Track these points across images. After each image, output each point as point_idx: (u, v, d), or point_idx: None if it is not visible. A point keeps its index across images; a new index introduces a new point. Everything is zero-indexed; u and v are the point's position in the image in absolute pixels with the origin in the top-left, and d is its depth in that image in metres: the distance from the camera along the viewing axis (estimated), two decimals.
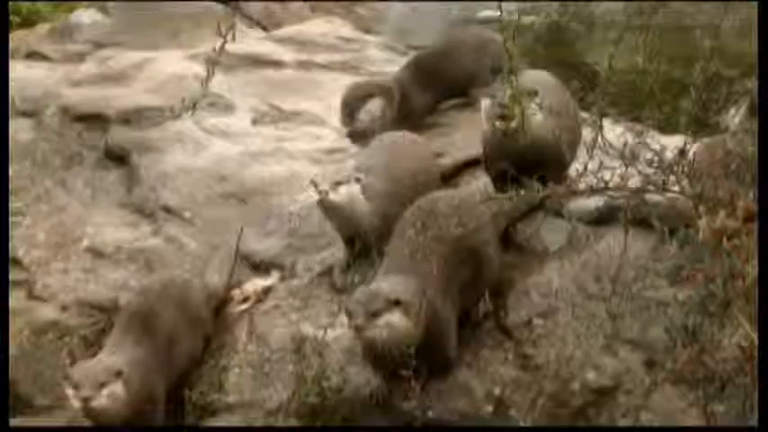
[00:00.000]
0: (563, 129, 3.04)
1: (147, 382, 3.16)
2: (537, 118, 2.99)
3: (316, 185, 3.29)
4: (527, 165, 3.02)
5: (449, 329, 2.97)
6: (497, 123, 3.07)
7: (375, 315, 2.80)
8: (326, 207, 3.30)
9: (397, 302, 2.80)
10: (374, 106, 4.16)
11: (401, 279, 2.87)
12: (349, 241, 3.38)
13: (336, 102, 4.40)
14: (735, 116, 2.79)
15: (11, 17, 6.12)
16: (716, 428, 2.54)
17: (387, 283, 2.87)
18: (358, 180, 3.30)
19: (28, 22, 6.06)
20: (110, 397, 3.04)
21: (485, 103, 3.22)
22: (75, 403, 3.05)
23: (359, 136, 4.12)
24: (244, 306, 3.48)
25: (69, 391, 3.06)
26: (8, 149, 4.12)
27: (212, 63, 2.52)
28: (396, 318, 2.81)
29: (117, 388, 3.06)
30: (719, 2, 2.55)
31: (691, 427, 2.69)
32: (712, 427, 2.56)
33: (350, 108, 4.21)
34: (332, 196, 3.25)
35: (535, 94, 3.03)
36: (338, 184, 3.27)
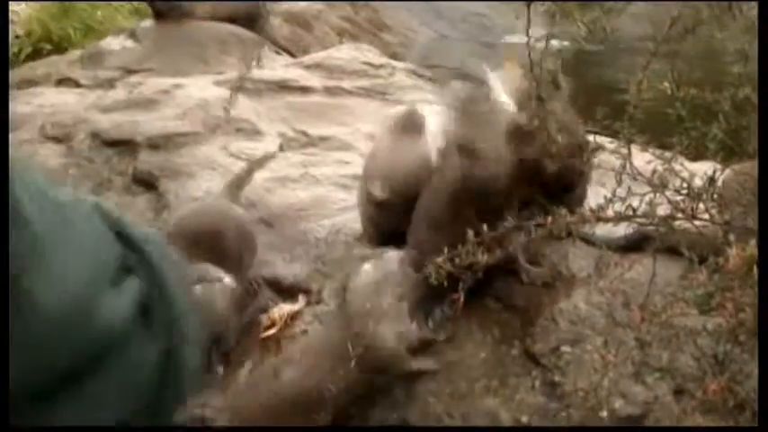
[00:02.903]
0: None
1: None
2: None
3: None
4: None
5: None
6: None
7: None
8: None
9: None
10: None
11: None
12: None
13: (363, 126, 4.40)
14: None
15: (42, 44, 6.21)
16: (716, 428, 2.51)
17: None
18: None
19: (59, 49, 6.14)
20: None
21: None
22: None
23: None
24: (271, 331, 3.48)
25: None
26: (8, 150, 4.13)
27: (237, 87, 2.54)
28: None
29: None
30: (748, 27, 2.54)
31: (691, 428, 2.65)
32: (712, 428, 2.53)
33: None
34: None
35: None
36: None
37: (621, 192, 2.50)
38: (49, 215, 0.62)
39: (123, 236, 0.67)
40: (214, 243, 3.31)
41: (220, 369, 3.34)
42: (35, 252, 0.59)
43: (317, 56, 5.40)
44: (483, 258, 2.44)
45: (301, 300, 3.57)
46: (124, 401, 0.63)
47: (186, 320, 0.67)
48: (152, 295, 0.66)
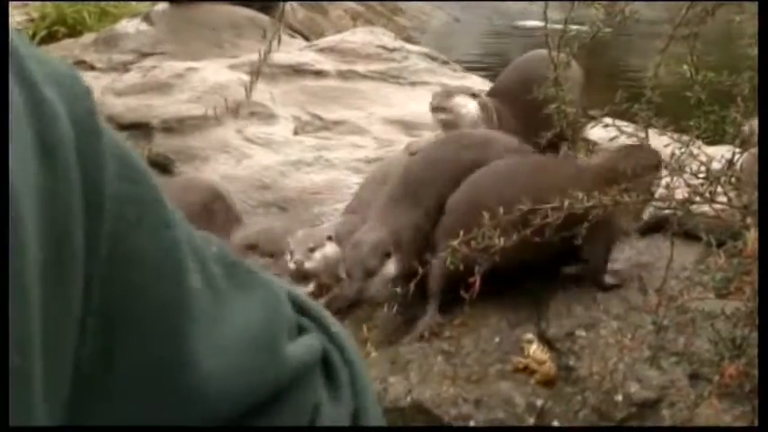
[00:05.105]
0: None
1: None
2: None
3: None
4: None
5: None
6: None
7: None
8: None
9: None
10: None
11: None
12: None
13: (377, 110, 4.39)
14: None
15: (56, 27, 6.21)
16: (716, 428, 2.50)
17: None
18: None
19: (73, 32, 6.14)
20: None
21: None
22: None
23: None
24: None
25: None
26: (8, 148, 4.11)
27: (257, 71, 2.53)
28: None
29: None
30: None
31: (691, 428, 2.65)
32: (712, 427, 2.52)
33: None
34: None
35: None
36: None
37: None
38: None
39: (296, 302, 0.65)
40: (205, 220, 3.44)
41: None
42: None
43: (331, 39, 5.38)
44: (499, 242, 2.43)
45: (313, 284, 3.56)
46: None
47: (367, 382, 0.65)
48: (333, 356, 0.64)
